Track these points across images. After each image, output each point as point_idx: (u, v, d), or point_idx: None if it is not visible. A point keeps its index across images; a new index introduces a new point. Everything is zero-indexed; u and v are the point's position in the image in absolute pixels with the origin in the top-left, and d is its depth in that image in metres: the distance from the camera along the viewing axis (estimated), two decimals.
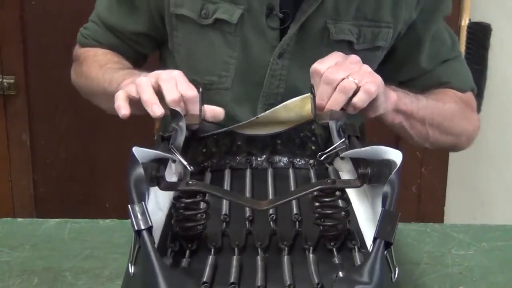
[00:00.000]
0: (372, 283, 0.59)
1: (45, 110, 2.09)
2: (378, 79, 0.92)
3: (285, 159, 0.94)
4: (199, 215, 0.73)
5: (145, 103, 0.88)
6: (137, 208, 0.65)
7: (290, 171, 0.92)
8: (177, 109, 0.86)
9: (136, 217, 0.64)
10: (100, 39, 1.21)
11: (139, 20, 1.17)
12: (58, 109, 2.09)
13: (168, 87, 0.89)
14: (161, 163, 0.75)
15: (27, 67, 2.04)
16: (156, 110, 0.86)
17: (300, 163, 0.94)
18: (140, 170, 0.67)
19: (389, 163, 0.69)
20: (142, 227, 0.63)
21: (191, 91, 0.89)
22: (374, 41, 1.13)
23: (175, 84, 0.89)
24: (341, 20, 1.10)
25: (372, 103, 0.91)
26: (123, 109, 0.89)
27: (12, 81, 2.03)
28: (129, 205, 0.65)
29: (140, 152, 0.69)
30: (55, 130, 2.11)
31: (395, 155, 0.69)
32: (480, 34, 1.90)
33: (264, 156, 0.93)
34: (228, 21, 1.09)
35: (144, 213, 0.64)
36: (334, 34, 1.10)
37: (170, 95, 0.88)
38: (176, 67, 1.09)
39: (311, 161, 0.93)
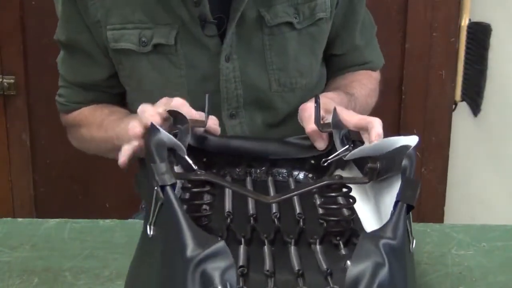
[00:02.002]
0: (396, 239, 0.60)
1: (45, 110, 2.09)
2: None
3: (284, 172, 0.94)
4: (204, 206, 0.73)
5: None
6: (161, 165, 0.64)
7: (291, 180, 0.92)
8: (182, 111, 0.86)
9: (161, 174, 0.63)
10: (79, 99, 1.21)
11: (101, 65, 1.17)
12: (58, 109, 2.08)
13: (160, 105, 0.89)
14: (171, 152, 0.75)
15: (27, 67, 2.04)
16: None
17: (299, 176, 0.94)
18: (160, 136, 0.67)
19: (402, 149, 0.70)
20: (168, 183, 0.63)
21: (175, 101, 0.90)
22: (314, 15, 1.14)
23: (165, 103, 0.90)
24: (274, 5, 1.11)
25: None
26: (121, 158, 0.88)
27: (12, 81, 2.02)
28: (151, 164, 0.64)
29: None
30: (55, 130, 2.10)
31: (409, 140, 0.70)
32: (480, 34, 1.90)
33: (264, 168, 0.93)
34: (166, 43, 1.10)
35: (168, 171, 0.64)
36: (270, 20, 1.11)
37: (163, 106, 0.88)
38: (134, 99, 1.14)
39: (311, 175, 0.93)
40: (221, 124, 1.14)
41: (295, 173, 0.93)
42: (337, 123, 0.87)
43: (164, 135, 0.71)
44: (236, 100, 1.14)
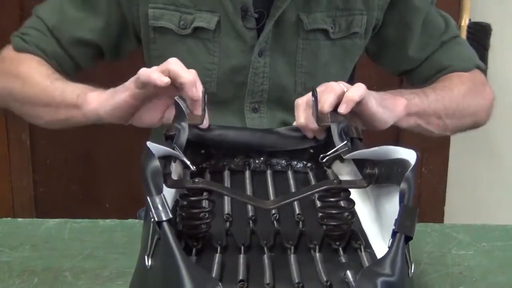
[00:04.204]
0: (394, 275, 0.59)
1: None
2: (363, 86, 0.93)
3: (283, 162, 0.94)
4: (203, 214, 0.73)
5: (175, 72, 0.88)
6: (157, 199, 0.65)
7: (289, 173, 0.92)
8: (181, 104, 0.86)
9: (156, 208, 0.64)
10: (44, 46, 1.16)
11: (94, 27, 1.15)
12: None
13: (180, 69, 0.90)
14: (167, 160, 0.75)
15: None
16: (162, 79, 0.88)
17: (298, 166, 0.94)
18: (156, 163, 0.67)
19: (401, 162, 0.70)
20: (163, 218, 0.63)
21: (171, 62, 0.91)
22: (349, 28, 1.17)
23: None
24: (313, 12, 1.14)
25: (372, 117, 0.93)
26: (162, 77, 0.88)
27: None
28: (148, 197, 0.65)
29: (152, 147, 0.69)
30: (55, 130, 2.10)
31: (408, 154, 0.70)
32: (480, 34, 1.90)
33: (262, 158, 0.94)
34: (207, 28, 1.12)
35: (164, 204, 0.64)
36: (308, 25, 1.14)
37: (186, 75, 0.89)
38: None
39: (309, 164, 0.93)
40: (241, 116, 1.17)
41: (294, 162, 0.94)
42: (335, 116, 0.87)
43: (160, 149, 0.71)
44: (261, 95, 1.17)
